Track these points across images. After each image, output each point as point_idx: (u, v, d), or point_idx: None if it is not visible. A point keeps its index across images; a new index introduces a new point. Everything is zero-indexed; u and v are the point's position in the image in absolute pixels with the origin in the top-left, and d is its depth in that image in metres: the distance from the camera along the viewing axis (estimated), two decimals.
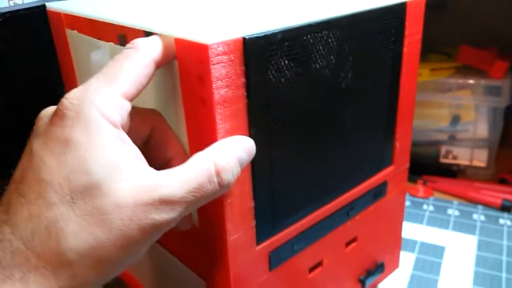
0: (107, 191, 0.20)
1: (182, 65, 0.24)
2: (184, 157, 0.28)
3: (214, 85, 0.23)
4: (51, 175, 0.20)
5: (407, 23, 0.33)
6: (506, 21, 0.64)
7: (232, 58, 0.23)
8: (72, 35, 0.35)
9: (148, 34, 0.27)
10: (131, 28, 0.28)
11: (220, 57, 0.23)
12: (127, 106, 0.23)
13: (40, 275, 0.20)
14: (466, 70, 0.60)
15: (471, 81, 0.58)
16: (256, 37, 0.24)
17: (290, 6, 0.30)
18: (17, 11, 0.44)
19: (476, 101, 0.59)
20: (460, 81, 0.59)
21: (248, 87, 0.25)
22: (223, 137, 0.25)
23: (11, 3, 0.53)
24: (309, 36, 0.27)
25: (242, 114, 0.25)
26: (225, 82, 0.23)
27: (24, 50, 0.46)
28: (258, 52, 0.24)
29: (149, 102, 0.28)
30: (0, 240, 0.20)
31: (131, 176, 0.21)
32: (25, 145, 0.23)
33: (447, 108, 0.61)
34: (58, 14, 0.36)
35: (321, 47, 0.28)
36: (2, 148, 0.47)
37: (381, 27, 0.32)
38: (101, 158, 0.21)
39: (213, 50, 0.22)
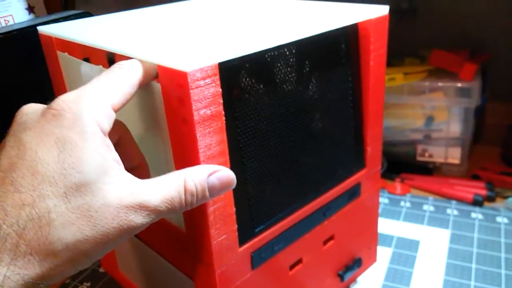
0: (96, 191, 0.23)
1: (165, 89, 0.27)
2: (146, 168, 0.31)
3: (193, 107, 0.26)
4: (46, 169, 0.22)
5: (371, 39, 0.37)
6: (475, 24, 0.68)
7: (209, 82, 0.26)
8: (63, 56, 0.38)
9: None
10: (118, 53, 0.30)
11: (198, 82, 0.26)
12: (113, 117, 0.25)
13: (28, 262, 0.21)
14: (438, 72, 0.63)
15: (443, 84, 0.61)
16: (230, 62, 0.27)
17: (252, 31, 0.33)
18: (10, 31, 0.46)
19: (448, 103, 0.62)
20: (433, 83, 0.62)
21: (225, 106, 0.28)
22: (204, 152, 0.27)
23: (3, 22, 0.56)
24: (271, 57, 0.30)
25: (221, 130, 0.28)
26: (204, 103, 0.26)
27: (18, 68, 0.49)
28: (232, 75, 0.28)
29: (135, 123, 0.31)
30: None
31: (117, 180, 0.24)
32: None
33: (421, 110, 0.64)
34: (49, 38, 0.38)
35: (282, 66, 0.31)
36: None
37: (334, 45, 0.35)
38: (93, 160, 0.23)
39: (191, 76, 0.25)
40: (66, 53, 0.37)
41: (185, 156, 0.28)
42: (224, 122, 0.28)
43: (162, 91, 0.27)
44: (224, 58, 0.27)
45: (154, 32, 0.35)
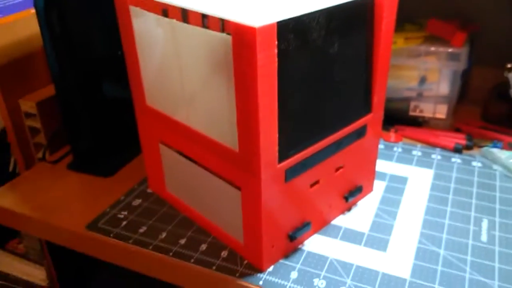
0: None
1: (235, 40, 0.37)
2: None
3: (258, 54, 0.36)
4: None
5: (384, 8, 0.46)
6: None
7: (270, 36, 0.36)
8: (135, 11, 0.47)
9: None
10: (191, 10, 0.40)
11: (263, 35, 0.35)
12: None
13: None
14: (433, 39, 0.73)
15: (436, 49, 0.71)
16: (283, 21, 0.37)
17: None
18: None
19: (440, 65, 0.72)
20: (428, 48, 0.72)
21: (278, 55, 0.37)
22: (261, 89, 0.37)
23: None
24: (307, 19, 0.40)
25: (274, 74, 0.38)
26: (265, 52, 0.36)
27: (89, 21, 0.57)
28: (284, 32, 0.37)
29: (203, 67, 0.41)
30: None
31: None
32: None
33: (416, 71, 0.74)
34: None
35: (314, 25, 0.41)
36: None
37: (356, 11, 0.45)
38: None
39: (259, 31, 0.35)
40: (138, 8, 0.46)
41: (246, 92, 0.38)
42: (276, 68, 0.38)
43: (233, 42, 0.37)
44: (280, 18, 0.37)
45: None
